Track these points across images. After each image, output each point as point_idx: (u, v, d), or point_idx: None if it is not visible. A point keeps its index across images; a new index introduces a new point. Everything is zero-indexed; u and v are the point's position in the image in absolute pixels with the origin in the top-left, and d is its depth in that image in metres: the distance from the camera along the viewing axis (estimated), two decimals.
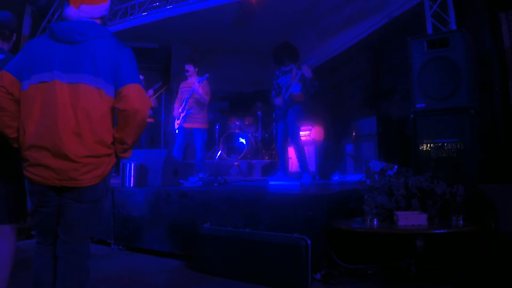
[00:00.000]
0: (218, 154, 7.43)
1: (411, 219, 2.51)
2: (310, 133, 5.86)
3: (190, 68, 5.42)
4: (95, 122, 1.67)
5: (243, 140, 7.35)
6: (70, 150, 1.62)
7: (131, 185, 3.93)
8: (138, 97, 1.74)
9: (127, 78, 1.74)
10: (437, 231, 2.51)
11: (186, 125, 5.29)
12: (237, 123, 7.60)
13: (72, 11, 1.78)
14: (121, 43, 1.83)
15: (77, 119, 1.64)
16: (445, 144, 3.26)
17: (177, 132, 5.41)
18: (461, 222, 2.53)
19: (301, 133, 4.99)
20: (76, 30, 1.71)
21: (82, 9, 1.79)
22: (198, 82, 5.22)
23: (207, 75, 5.31)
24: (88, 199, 1.72)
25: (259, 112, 7.76)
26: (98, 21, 1.85)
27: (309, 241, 2.60)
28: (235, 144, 7.28)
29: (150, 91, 6.29)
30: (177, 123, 5.37)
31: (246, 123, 7.74)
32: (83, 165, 1.65)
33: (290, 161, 4.92)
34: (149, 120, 6.42)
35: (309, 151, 5.39)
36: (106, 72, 1.71)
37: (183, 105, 5.34)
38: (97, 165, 1.70)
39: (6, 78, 1.71)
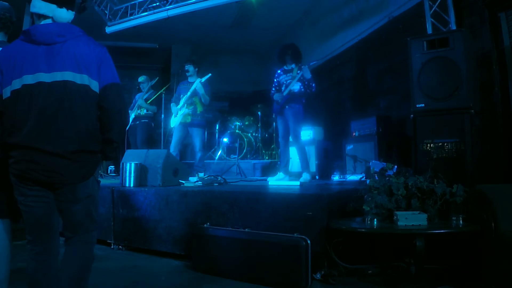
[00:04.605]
0: (218, 154, 7.43)
1: (411, 219, 2.51)
2: (310, 133, 5.86)
3: (190, 68, 5.43)
4: (82, 118, 1.72)
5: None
6: (58, 148, 1.65)
7: (131, 185, 3.93)
8: (120, 96, 1.84)
9: (109, 77, 1.81)
10: (437, 231, 2.51)
11: (183, 124, 5.31)
12: (237, 123, 7.60)
13: (54, 10, 1.79)
14: (96, 41, 1.89)
15: (63, 117, 1.68)
16: (445, 144, 3.26)
17: (173, 130, 5.44)
18: (461, 222, 2.53)
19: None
20: (55, 32, 1.75)
21: (58, 12, 1.81)
22: (201, 81, 5.24)
23: (209, 74, 5.33)
24: (82, 197, 1.77)
25: (259, 112, 7.75)
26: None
27: (309, 241, 2.60)
28: (235, 144, 7.28)
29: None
30: (174, 121, 5.39)
31: (246, 123, 7.74)
32: (72, 162, 1.68)
33: (290, 160, 4.94)
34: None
35: (309, 151, 5.39)
36: (90, 68, 1.76)
37: (181, 103, 5.35)
38: (86, 161, 1.75)
39: None
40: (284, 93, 4.50)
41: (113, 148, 1.88)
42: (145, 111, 6.37)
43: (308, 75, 4.42)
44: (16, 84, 1.69)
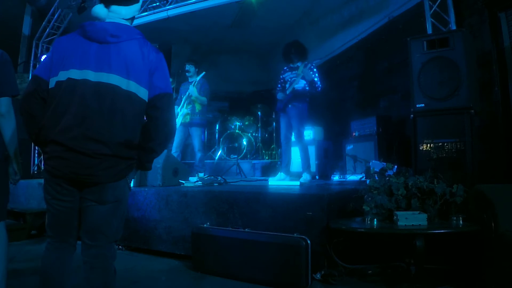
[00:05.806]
0: (218, 154, 7.43)
1: (411, 219, 2.51)
2: (310, 133, 5.86)
3: (191, 68, 5.43)
4: (120, 125, 1.64)
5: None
6: (87, 149, 1.59)
7: (131, 185, 3.92)
8: (170, 107, 1.77)
9: (162, 85, 1.74)
10: (437, 231, 2.51)
11: (184, 124, 5.32)
12: (237, 123, 7.60)
13: (102, 11, 1.75)
14: (154, 46, 1.81)
15: (103, 118, 1.62)
16: (445, 144, 3.26)
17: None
18: (461, 222, 2.53)
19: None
20: (109, 31, 1.69)
21: (113, 10, 1.76)
22: (193, 84, 5.26)
23: (203, 73, 5.35)
24: (109, 199, 1.68)
25: (259, 112, 7.75)
26: (128, 22, 1.83)
27: (309, 241, 2.60)
28: (235, 144, 7.28)
29: None
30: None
31: (246, 123, 7.74)
32: (101, 162, 1.61)
33: (291, 160, 4.94)
34: None
35: (309, 151, 5.38)
36: (140, 75, 1.69)
37: (181, 103, 5.37)
38: (116, 162, 1.66)
39: (37, 82, 1.69)
40: (287, 91, 4.45)
41: (151, 157, 1.80)
42: None
43: (309, 77, 4.33)
44: (62, 76, 1.66)
